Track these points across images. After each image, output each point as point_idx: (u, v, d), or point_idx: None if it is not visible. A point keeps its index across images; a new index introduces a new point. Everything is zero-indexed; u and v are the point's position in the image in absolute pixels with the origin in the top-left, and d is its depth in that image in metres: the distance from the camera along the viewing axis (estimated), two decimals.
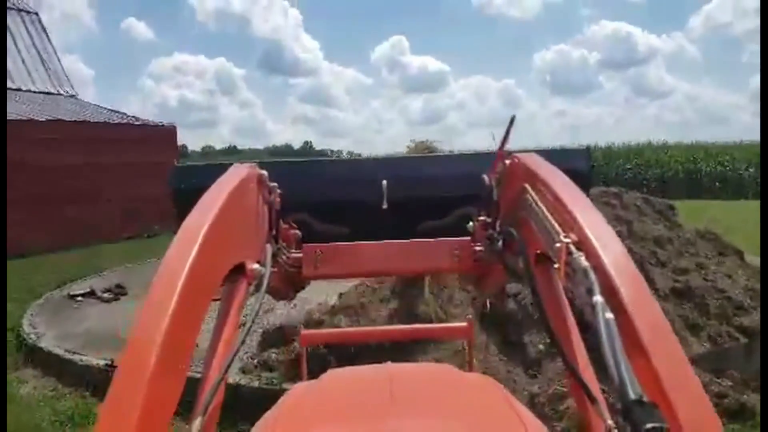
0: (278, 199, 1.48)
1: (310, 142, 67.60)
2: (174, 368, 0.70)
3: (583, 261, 0.81)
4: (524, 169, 1.23)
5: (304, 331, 1.94)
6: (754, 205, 16.17)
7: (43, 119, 12.08)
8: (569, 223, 0.92)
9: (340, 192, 1.91)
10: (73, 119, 12.49)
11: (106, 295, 6.83)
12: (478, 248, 1.70)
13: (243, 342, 0.93)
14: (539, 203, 1.07)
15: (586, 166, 1.93)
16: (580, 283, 0.80)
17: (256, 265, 1.10)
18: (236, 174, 1.16)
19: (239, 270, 1.05)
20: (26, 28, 16.08)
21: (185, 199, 1.22)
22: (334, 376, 1.08)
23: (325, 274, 1.76)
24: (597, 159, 22.42)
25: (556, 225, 0.95)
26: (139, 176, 13.19)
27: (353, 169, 2.15)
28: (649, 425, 0.56)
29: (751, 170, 21.03)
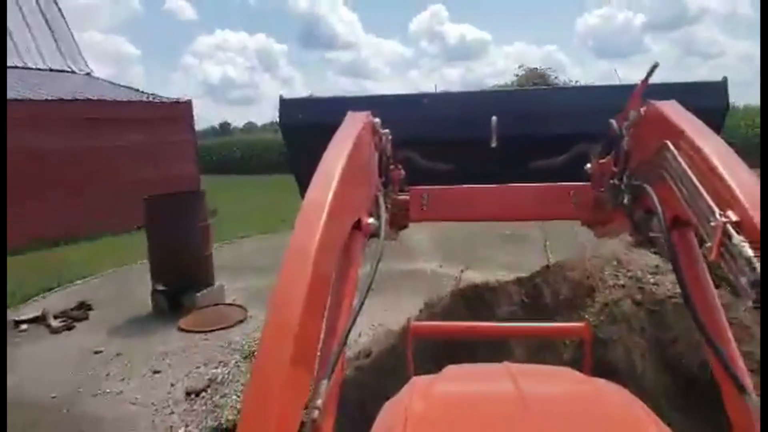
0: (389, 145, 1.53)
1: None
2: (312, 333, 0.79)
3: (747, 249, 0.72)
4: (664, 122, 1.11)
5: (414, 323, 1.75)
6: None
7: (41, 99, 10.81)
8: (726, 197, 0.82)
9: (447, 129, 1.85)
10: (74, 98, 11.14)
11: (55, 323, 5.33)
12: (598, 195, 1.59)
13: (366, 297, 0.94)
14: (686, 168, 0.96)
15: (722, 103, 1.80)
16: (741, 272, 0.73)
17: (371, 219, 1.16)
18: (353, 126, 1.22)
19: (355, 225, 1.09)
20: (36, 2, 14.96)
21: (295, 135, 1.71)
22: (456, 373, 1.02)
23: (432, 216, 1.76)
24: None
25: (709, 199, 0.85)
26: (152, 157, 11.97)
27: (461, 105, 2.07)
28: None
29: None
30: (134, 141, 11.76)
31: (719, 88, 1.88)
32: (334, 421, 0.84)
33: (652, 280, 2.72)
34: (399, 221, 1.79)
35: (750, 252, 0.72)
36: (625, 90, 1.40)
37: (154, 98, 13.72)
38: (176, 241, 5.64)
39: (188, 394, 3.95)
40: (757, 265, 0.70)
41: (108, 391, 4.15)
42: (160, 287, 5.83)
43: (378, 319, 4.88)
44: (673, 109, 1.14)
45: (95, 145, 10.99)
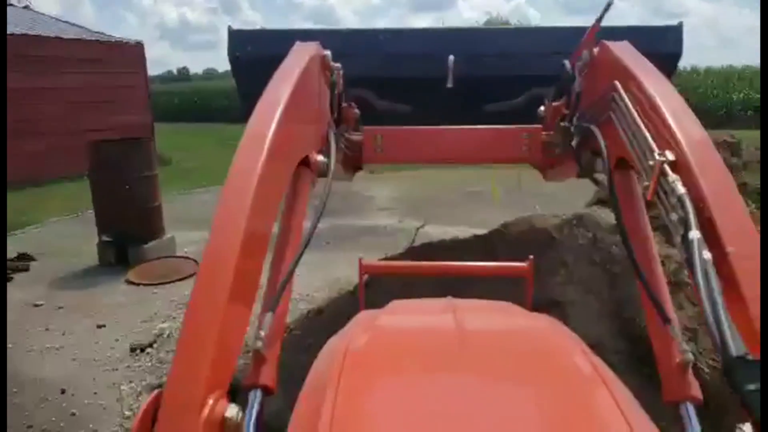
0: (341, 81, 1.44)
1: None
2: (252, 271, 0.79)
3: (680, 187, 0.74)
4: (615, 62, 1.11)
5: (363, 261, 1.78)
6: None
7: None
8: (666, 137, 0.83)
9: (403, 66, 1.80)
10: (10, 32, 10.21)
11: None
12: (549, 138, 1.60)
13: (312, 234, 0.94)
14: (632, 108, 0.96)
15: (678, 48, 1.81)
16: (673, 209, 0.74)
17: (320, 157, 1.15)
18: (300, 58, 1.15)
19: (303, 161, 1.08)
20: None
21: (244, 68, 1.63)
22: (400, 307, 1.01)
23: (385, 159, 1.73)
24: None
25: (650, 139, 0.86)
26: (100, 101, 11.24)
27: (417, 42, 1.98)
28: (751, 386, 0.52)
29: None
30: (79, 83, 11.00)
31: (675, 33, 1.86)
32: (279, 352, 0.85)
33: (610, 240, 2.67)
34: (352, 162, 1.73)
35: (682, 189, 0.73)
36: (583, 32, 1.38)
37: (101, 37, 12.78)
38: (121, 190, 5.32)
39: (132, 350, 3.78)
40: (687, 202, 0.70)
41: (47, 346, 3.93)
42: (107, 238, 5.54)
43: (335, 274, 4.78)
44: (624, 50, 1.13)
45: (36, 86, 10.21)
